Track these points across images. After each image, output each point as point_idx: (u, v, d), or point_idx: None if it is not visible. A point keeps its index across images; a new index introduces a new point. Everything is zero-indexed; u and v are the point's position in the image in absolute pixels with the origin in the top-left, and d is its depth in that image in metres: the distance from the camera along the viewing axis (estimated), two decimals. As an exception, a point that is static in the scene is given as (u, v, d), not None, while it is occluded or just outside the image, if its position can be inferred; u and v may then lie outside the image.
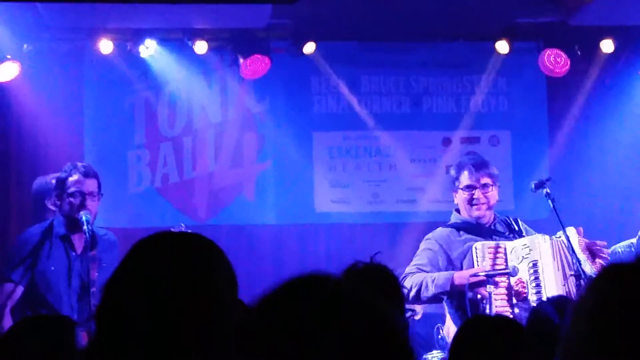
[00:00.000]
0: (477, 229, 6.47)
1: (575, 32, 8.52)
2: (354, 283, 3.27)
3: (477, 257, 6.27)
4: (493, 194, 6.51)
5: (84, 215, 6.25)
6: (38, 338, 4.00)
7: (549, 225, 6.99)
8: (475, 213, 6.46)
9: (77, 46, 8.52)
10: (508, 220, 6.64)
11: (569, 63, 8.59)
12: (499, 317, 4.00)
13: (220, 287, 2.37)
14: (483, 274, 6.18)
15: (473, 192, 6.45)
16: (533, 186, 6.67)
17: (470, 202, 6.47)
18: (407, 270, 6.38)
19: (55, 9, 7.58)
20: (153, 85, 8.83)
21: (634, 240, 7.64)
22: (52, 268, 6.27)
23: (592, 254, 6.22)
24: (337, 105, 9.10)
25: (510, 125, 9.24)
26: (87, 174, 6.38)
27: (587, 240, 6.32)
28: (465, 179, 6.47)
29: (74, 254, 6.35)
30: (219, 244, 2.46)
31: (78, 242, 6.37)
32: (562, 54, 8.59)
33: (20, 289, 6.30)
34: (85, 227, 6.18)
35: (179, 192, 8.90)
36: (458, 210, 6.58)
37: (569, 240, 6.25)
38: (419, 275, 6.28)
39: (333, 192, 9.05)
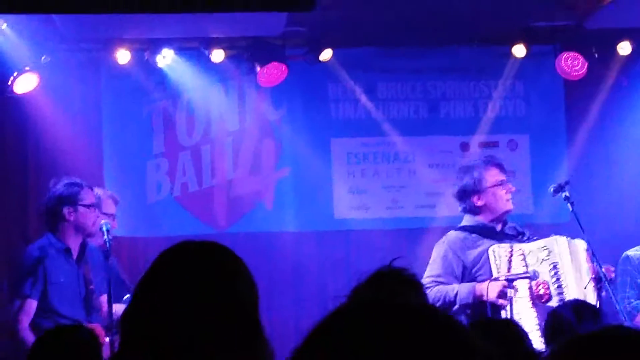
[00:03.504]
0: (490, 232, 6.52)
1: (592, 35, 8.50)
2: (379, 287, 3.29)
3: (494, 260, 6.30)
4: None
5: (104, 225, 6.45)
6: (68, 348, 4.05)
7: (569, 229, 6.98)
8: (510, 206, 6.59)
9: (95, 56, 8.57)
10: (515, 225, 6.69)
11: (586, 66, 8.57)
12: (497, 321, 3.99)
13: (242, 294, 2.40)
14: (503, 278, 6.21)
15: (506, 186, 6.60)
16: (552, 190, 6.69)
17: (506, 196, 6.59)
18: (424, 282, 6.38)
19: (72, 20, 7.63)
20: (171, 94, 8.85)
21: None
22: (62, 280, 6.41)
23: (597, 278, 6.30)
24: (354, 111, 9.10)
25: (529, 129, 9.22)
26: (90, 187, 6.77)
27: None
28: (494, 176, 6.59)
29: (72, 261, 6.57)
30: (238, 251, 2.50)
31: (74, 249, 6.58)
32: (579, 57, 8.56)
33: (35, 303, 6.40)
34: (105, 236, 6.39)
35: (198, 201, 8.91)
36: (473, 212, 6.61)
37: (589, 244, 6.26)
38: (438, 288, 6.33)
39: (352, 198, 9.05)
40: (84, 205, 6.59)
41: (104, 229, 6.50)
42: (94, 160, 8.58)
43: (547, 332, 4.63)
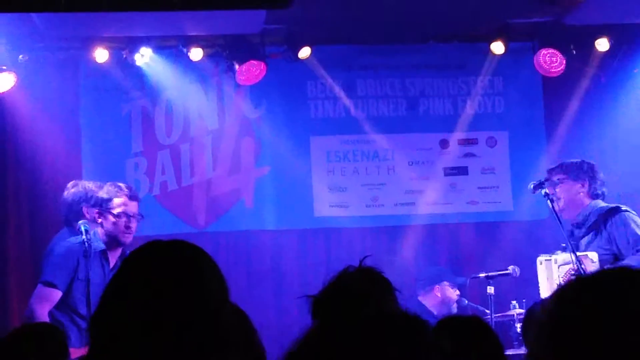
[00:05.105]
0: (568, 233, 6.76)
1: (570, 31, 8.52)
2: (346, 287, 3.31)
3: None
4: (563, 187, 6.80)
5: (82, 226, 6.46)
6: (30, 347, 4.03)
7: (549, 226, 7.00)
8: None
9: (73, 55, 8.53)
10: (595, 215, 6.81)
11: (564, 62, 8.60)
12: (468, 318, 4.00)
13: (211, 291, 2.40)
14: (483, 275, 6.33)
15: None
16: (532, 187, 6.73)
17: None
18: None
19: (50, 18, 7.59)
20: (149, 93, 8.82)
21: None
22: (90, 279, 6.48)
23: None
24: (333, 109, 9.10)
25: (507, 126, 9.23)
26: (132, 197, 6.89)
27: None
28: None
29: (108, 268, 6.71)
30: (218, 250, 2.51)
31: (112, 257, 6.76)
32: (558, 53, 8.59)
33: (59, 294, 6.58)
34: (84, 236, 6.40)
35: (177, 200, 8.88)
36: None
37: (569, 242, 6.30)
38: None
39: (332, 196, 9.04)
40: (118, 207, 6.76)
41: (82, 229, 6.50)
42: (72, 159, 8.54)
43: (523, 327, 4.67)
